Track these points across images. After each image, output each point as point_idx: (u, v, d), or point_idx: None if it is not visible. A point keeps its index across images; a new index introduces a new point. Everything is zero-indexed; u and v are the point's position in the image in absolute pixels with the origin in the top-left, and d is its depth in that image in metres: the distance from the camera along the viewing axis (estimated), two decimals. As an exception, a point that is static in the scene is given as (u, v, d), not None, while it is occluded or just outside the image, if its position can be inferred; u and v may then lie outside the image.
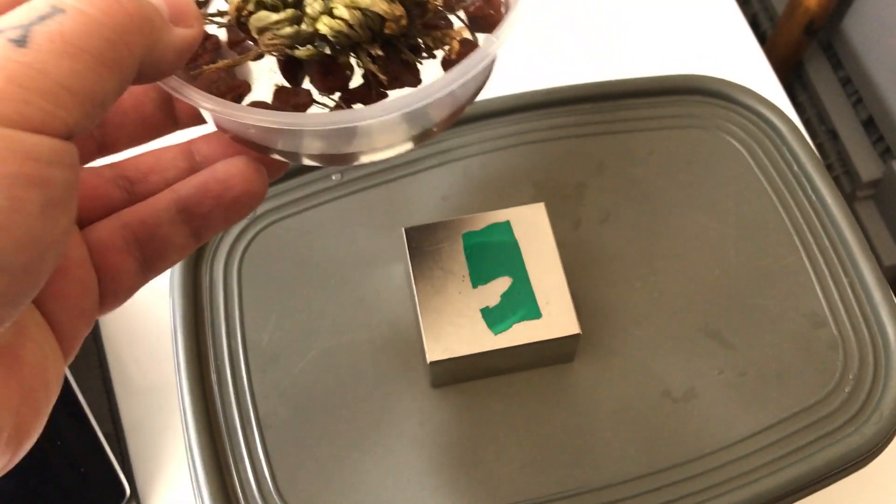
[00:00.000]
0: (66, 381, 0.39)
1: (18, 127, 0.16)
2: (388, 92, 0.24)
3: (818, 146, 0.64)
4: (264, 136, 0.24)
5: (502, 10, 0.25)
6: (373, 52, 0.23)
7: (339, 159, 0.26)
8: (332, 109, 0.24)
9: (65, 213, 0.17)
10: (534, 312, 0.33)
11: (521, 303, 0.33)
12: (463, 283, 0.34)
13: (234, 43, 0.25)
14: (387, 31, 0.23)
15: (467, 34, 0.24)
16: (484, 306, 0.33)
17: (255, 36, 0.23)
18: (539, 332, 0.33)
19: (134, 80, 0.19)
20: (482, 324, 0.33)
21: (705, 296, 0.37)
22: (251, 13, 0.23)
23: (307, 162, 0.26)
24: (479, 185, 0.39)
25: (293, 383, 0.35)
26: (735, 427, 0.34)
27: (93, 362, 0.44)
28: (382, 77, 0.23)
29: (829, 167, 0.63)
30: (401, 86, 0.24)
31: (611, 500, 0.32)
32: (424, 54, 0.25)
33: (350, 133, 0.24)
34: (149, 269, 0.24)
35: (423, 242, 0.35)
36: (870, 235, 0.60)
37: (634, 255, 0.38)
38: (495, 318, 0.33)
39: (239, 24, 0.23)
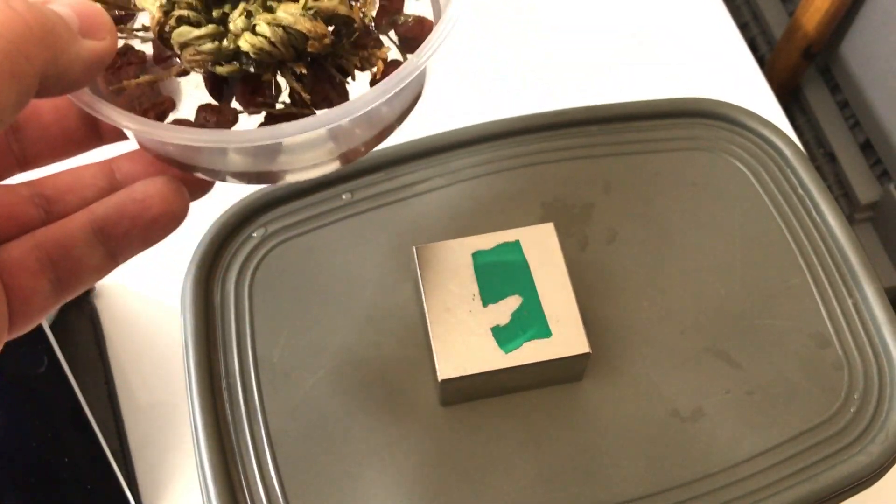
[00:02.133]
0: (74, 396, 0.39)
1: None
2: (316, 111, 0.24)
3: (816, 169, 0.65)
4: (186, 154, 0.23)
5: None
6: (297, 70, 0.22)
7: (263, 177, 0.25)
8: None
9: None
10: (544, 331, 0.33)
11: (531, 322, 0.34)
12: (473, 301, 0.34)
13: (159, 59, 0.24)
14: (310, 49, 0.22)
15: (396, 54, 0.24)
16: (494, 325, 0.34)
17: (178, 51, 0.22)
18: (549, 350, 0.33)
19: (38, 93, 0.18)
20: (493, 342, 0.33)
21: (712, 315, 0.37)
22: (174, 28, 0.22)
23: (231, 181, 0.25)
24: (488, 205, 0.40)
25: (304, 400, 0.35)
26: (742, 446, 0.34)
27: (99, 379, 0.45)
28: (307, 96, 0.23)
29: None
30: (328, 105, 0.24)
31: (620, 518, 0.33)
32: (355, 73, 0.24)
33: (274, 150, 0.23)
34: (62, 291, 0.23)
35: (433, 261, 0.35)
36: (868, 257, 0.60)
37: (642, 274, 0.38)
38: (506, 336, 0.33)
39: (161, 38, 0.23)
